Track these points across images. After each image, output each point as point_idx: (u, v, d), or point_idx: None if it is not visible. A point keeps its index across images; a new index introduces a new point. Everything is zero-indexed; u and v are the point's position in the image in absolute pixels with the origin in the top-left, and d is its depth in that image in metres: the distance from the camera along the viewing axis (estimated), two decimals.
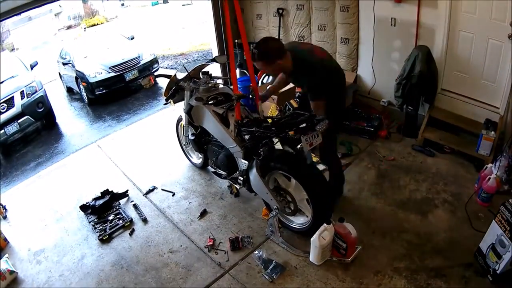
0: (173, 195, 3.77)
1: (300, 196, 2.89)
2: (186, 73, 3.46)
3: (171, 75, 3.60)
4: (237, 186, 3.38)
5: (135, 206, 3.67)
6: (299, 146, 2.67)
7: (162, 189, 3.88)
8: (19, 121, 6.13)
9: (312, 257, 2.75)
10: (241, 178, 3.15)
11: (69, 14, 22.45)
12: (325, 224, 2.64)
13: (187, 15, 15.59)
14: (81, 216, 3.70)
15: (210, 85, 3.39)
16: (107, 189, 3.88)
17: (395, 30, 4.01)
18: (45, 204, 4.05)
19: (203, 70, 3.56)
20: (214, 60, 3.59)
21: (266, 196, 2.92)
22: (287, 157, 2.87)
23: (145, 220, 3.46)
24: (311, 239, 2.66)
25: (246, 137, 3.00)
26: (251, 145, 2.95)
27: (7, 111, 5.98)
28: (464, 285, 2.46)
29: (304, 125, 2.59)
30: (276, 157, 2.87)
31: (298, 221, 3.01)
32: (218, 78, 3.56)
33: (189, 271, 2.90)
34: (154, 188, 3.91)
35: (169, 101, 3.65)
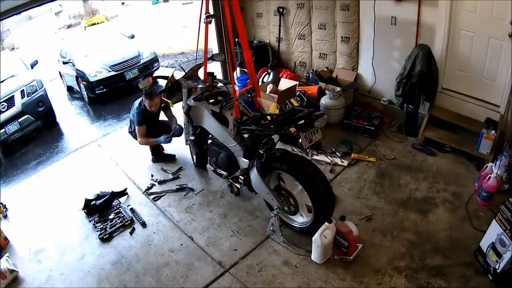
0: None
1: (301, 199, 2.88)
2: (184, 73, 3.44)
3: (168, 76, 3.57)
4: (238, 185, 3.37)
5: (132, 210, 3.62)
6: (299, 141, 2.66)
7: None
8: (19, 120, 6.12)
9: (314, 256, 2.75)
10: (242, 178, 3.15)
11: (69, 13, 22.41)
12: (326, 223, 2.64)
13: (187, 14, 15.59)
14: (82, 215, 3.70)
15: (207, 84, 3.36)
16: (98, 195, 3.83)
17: (395, 29, 4.01)
18: (46, 203, 4.05)
19: (208, 71, 3.53)
20: (211, 58, 3.57)
21: (267, 196, 2.91)
22: (287, 157, 2.87)
23: (144, 224, 3.44)
24: (313, 238, 2.66)
25: (246, 135, 2.99)
26: (251, 143, 2.94)
27: (7, 110, 5.96)
28: (464, 284, 2.47)
29: (302, 121, 2.58)
30: (276, 156, 2.86)
31: (300, 220, 3.01)
32: (219, 81, 3.54)
33: (190, 270, 2.90)
34: (152, 185, 3.93)
35: (167, 102, 3.63)
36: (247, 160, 2.99)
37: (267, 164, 2.88)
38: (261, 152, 2.91)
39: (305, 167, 2.75)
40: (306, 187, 2.72)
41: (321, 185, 2.72)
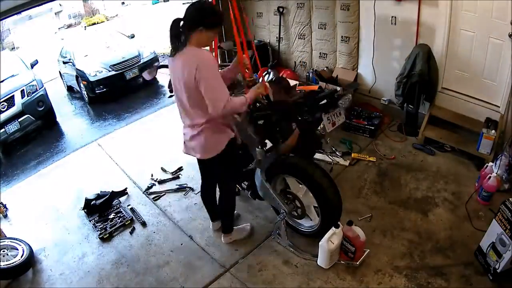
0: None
1: (308, 201, 2.82)
2: None
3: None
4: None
5: (132, 210, 3.62)
6: (320, 126, 2.49)
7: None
8: (19, 120, 6.13)
9: (320, 261, 2.71)
10: (246, 183, 3.08)
11: (69, 12, 22.44)
12: (333, 228, 2.60)
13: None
14: (82, 215, 3.71)
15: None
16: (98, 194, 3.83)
17: (395, 28, 4.00)
18: (46, 202, 4.05)
19: None
20: (219, 47, 3.45)
21: (274, 201, 2.82)
22: (293, 160, 2.81)
23: (144, 224, 3.44)
24: (320, 243, 2.62)
25: (260, 122, 2.74)
26: (267, 130, 2.75)
27: (7, 110, 5.97)
28: (464, 284, 2.47)
29: (324, 101, 2.39)
30: (282, 160, 2.79)
31: (306, 224, 2.95)
32: (225, 65, 3.44)
33: (190, 269, 2.90)
34: (152, 185, 3.93)
35: (173, 93, 3.54)
36: (261, 150, 2.77)
37: (273, 169, 2.79)
38: (278, 137, 2.72)
39: (313, 171, 2.66)
40: (313, 192, 2.66)
41: (330, 189, 2.65)
